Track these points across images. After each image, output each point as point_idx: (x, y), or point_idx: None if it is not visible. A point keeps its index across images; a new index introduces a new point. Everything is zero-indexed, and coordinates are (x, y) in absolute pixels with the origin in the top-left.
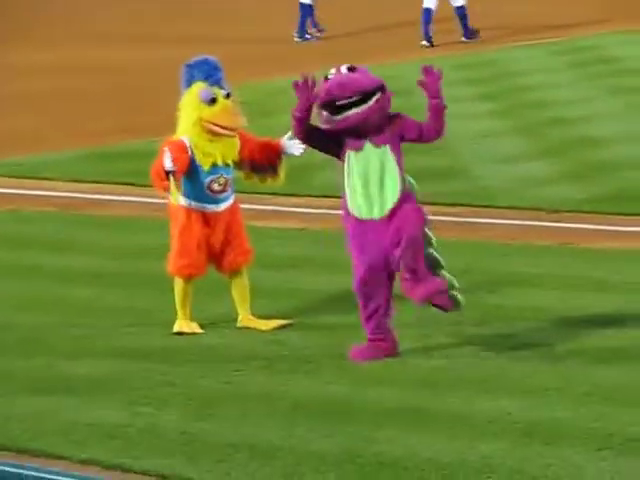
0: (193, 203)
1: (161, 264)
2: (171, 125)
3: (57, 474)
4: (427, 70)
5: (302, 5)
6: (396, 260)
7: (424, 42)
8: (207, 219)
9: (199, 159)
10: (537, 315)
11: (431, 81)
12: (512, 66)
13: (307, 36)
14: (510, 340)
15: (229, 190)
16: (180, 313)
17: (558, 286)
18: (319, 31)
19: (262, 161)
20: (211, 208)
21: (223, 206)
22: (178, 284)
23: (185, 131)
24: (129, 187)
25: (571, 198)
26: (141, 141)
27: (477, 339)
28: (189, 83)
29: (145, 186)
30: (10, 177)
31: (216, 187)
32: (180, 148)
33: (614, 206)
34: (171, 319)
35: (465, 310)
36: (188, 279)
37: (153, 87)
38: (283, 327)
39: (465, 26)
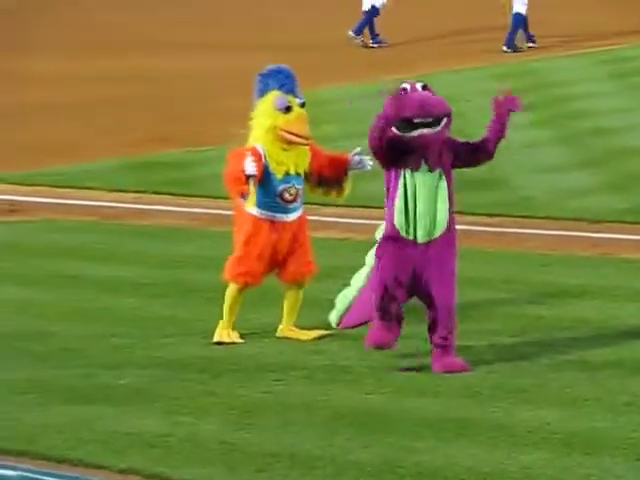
0: (263, 212)
1: (201, 274)
2: (206, 135)
3: None
4: (499, 102)
5: (370, 9)
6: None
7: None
8: (275, 228)
9: (272, 167)
10: (576, 326)
11: (501, 113)
12: (554, 76)
13: (378, 40)
14: (549, 351)
15: (299, 201)
16: (225, 320)
17: (598, 297)
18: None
19: (330, 175)
20: (280, 217)
21: (292, 216)
22: (231, 291)
23: (258, 139)
24: (168, 197)
25: (612, 208)
26: (178, 150)
27: (517, 349)
28: (262, 92)
29: (184, 195)
30: (51, 187)
31: (287, 196)
32: (256, 155)
33: None
34: (212, 329)
35: (505, 320)
36: (243, 287)
37: (189, 96)
38: (323, 337)
39: (511, 35)
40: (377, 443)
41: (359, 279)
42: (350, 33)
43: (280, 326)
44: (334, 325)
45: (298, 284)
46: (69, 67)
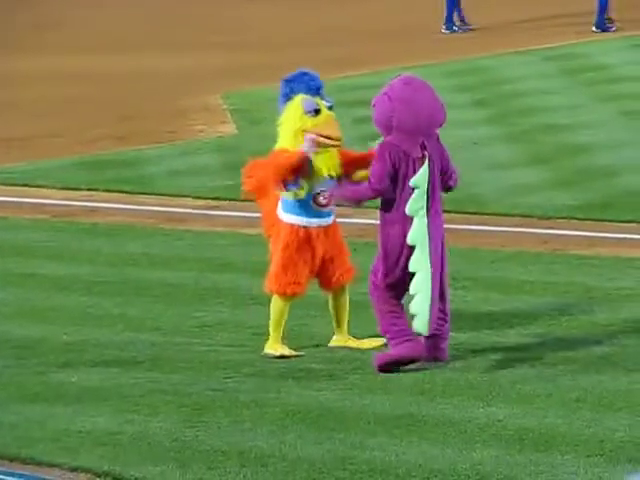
0: (297, 217)
1: (153, 272)
2: (158, 133)
3: None
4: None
5: None
6: None
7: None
8: (311, 235)
9: None
10: (526, 322)
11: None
12: (502, 72)
13: (455, 28)
14: (499, 347)
15: (332, 204)
16: (274, 335)
17: (548, 293)
18: (465, 24)
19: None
20: (316, 222)
21: (327, 220)
22: (277, 303)
23: (286, 144)
24: (121, 195)
25: (562, 205)
26: (131, 148)
27: (467, 346)
28: (287, 97)
29: (137, 193)
30: (1, 184)
31: (321, 200)
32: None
33: (605, 213)
34: (162, 326)
35: (455, 317)
36: (291, 297)
37: (140, 95)
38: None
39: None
40: (328, 440)
41: (422, 285)
42: (443, 30)
43: (335, 337)
44: (427, 332)
45: (339, 290)
46: (19, 65)
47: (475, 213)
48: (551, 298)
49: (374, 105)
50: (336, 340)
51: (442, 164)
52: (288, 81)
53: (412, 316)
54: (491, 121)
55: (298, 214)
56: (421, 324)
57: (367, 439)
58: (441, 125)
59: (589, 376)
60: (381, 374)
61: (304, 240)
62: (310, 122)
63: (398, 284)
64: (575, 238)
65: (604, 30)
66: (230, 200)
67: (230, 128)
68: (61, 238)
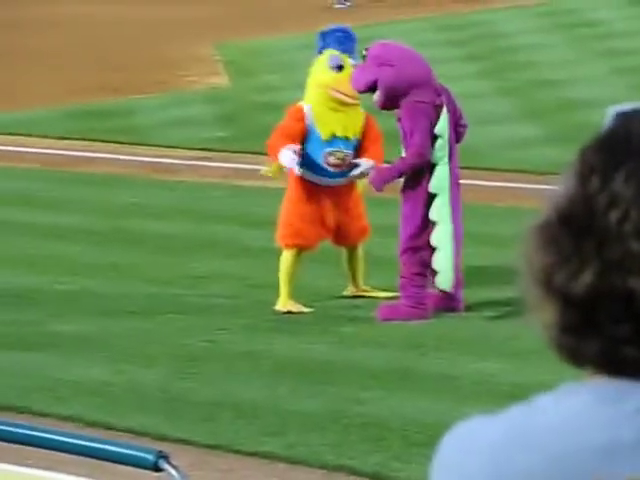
0: (307, 173)
1: (145, 223)
2: (151, 84)
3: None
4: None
5: None
6: None
7: None
8: (321, 192)
9: (318, 127)
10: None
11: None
12: (496, 27)
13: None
14: (493, 302)
15: (348, 167)
16: (283, 290)
17: None
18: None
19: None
20: (326, 181)
21: (340, 181)
22: (285, 257)
23: (309, 97)
24: (112, 144)
25: (557, 161)
26: (121, 98)
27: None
28: (321, 50)
29: (128, 144)
30: None
31: (333, 160)
32: (296, 116)
33: None
34: (154, 276)
35: None
36: (297, 251)
37: (126, 44)
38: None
39: None
40: (321, 393)
41: (444, 238)
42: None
43: (349, 287)
44: (450, 288)
45: (355, 246)
46: (7, 13)
47: (468, 167)
48: None
49: (377, 80)
50: (350, 291)
51: (455, 110)
52: (323, 34)
53: (434, 272)
54: (484, 76)
55: (308, 169)
56: (444, 280)
57: (360, 393)
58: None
59: None
60: (375, 326)
61: (313, 196)
62: (332, 77)
63: (424, 247)
64: None
65: None
66: (223, 152)
67: (223, 79)
68: (53, 188)
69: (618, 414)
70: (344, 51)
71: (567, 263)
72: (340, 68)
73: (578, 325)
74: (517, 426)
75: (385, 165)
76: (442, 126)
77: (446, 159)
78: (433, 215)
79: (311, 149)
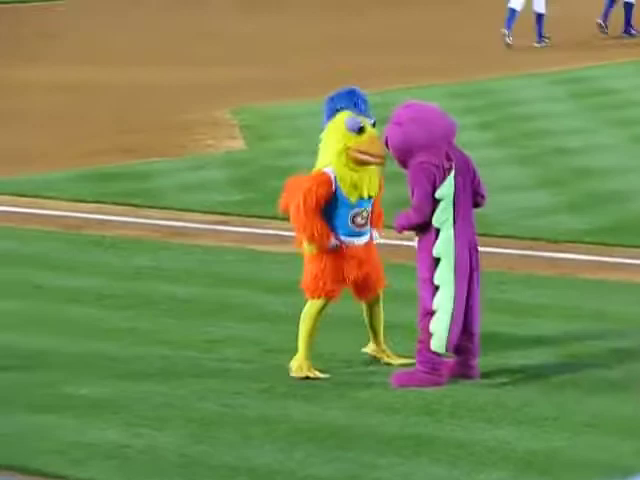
0: (336, 239)
1: (161, 286)
2: (169, 147)
3: None
4: None
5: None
6: None
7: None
8: (345, 253)
9: (345, 191)
10: (535, 345)
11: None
12: (510, 95)
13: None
14: (507, 369)
15: (368, 224)
16: (303, 349)
17: (556, 316)
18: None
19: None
20: (351, 242)
21: (364, 239)
22: (310, 311)
23: (328, 162)
24: (129, 208)
25: (572, 229)
26: (138, 161)
27: None
28: (331, 114)
29: (145, 207)
30: (9, 195)
31: (360, 220)
32: (327, 183)
33: (615, 238)
34: (171, 340)
35: None
36: (326, 302)
37: (145, 108)
38: (406, 365)
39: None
40: (337, 458)
41: (443, 302)
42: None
43: (370, 344)
44: (444, 352)
45: (376, 298)
46: (20, 75)
47: (484, 235)
48: (560, 322)
49: (387, 137)
50: (371, 348)
51: (469, 172)
52: (333, 98)
53: (430, 334)
54: (499, 143)
55: (336, 233)
56: (437, 342)
57: (375, 459)
58: (455, 132)
59: (596, 400)
60: (390, 392)
61: (340, 257)
62: (353, 140)
63: None
64: (584, 262)
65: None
66: (239, 216)
67: (239, 143)
68: (69, 250)
69: None
70: (359, 112)
71: None
72: (361, 130)
73: None
74: None
75: (403, 212)
76: (445, 191)
77: (450, 223)
78: (436, 278)
79: (338, 212)
